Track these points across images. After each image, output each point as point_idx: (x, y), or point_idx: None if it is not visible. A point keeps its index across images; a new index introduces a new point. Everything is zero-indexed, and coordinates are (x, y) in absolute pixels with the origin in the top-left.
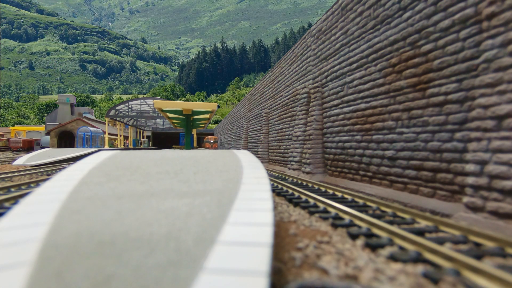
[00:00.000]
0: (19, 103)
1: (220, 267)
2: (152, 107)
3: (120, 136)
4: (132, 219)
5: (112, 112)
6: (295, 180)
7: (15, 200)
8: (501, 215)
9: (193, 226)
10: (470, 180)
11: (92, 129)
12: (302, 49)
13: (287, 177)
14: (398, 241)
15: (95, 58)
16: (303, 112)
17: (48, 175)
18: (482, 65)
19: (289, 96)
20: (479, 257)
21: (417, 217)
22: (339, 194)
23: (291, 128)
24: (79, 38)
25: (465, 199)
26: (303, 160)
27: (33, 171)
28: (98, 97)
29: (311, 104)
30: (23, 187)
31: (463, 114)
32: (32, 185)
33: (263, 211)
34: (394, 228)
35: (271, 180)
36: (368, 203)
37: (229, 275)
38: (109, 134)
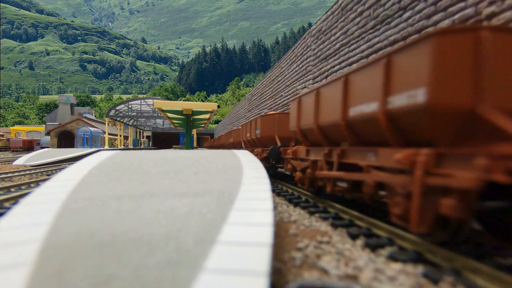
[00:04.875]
0: (19, 103)
1: (220, 267)
2: (152, 107)
3: (120, 136)
4: (132, 219)
5: (112, 112)
6: None
7: (15, 200)
8: None
9: (193, 226)
10: None
11: (92, 129)
12: (302, 49)
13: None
14: (398, 241)
15: (95, 58)
16: None
17: (48, 175)
18: None
19: (289, 96)
20: None
21: None
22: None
23: None
24: (79, 38)
25: None
26: None
27: (33, 171)
28: (98, 97)
29: None
30: (23, 187)
31: None
32: (32, 185)
33: (263, 211)
34: (394, 228)
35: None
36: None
37: (229, 275)
38: (109, 134)
